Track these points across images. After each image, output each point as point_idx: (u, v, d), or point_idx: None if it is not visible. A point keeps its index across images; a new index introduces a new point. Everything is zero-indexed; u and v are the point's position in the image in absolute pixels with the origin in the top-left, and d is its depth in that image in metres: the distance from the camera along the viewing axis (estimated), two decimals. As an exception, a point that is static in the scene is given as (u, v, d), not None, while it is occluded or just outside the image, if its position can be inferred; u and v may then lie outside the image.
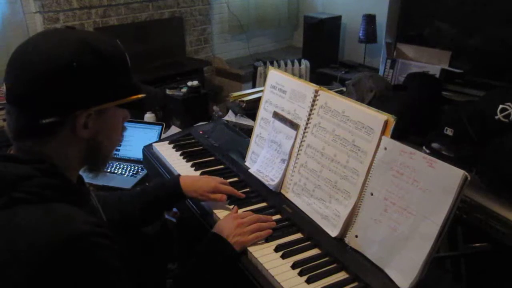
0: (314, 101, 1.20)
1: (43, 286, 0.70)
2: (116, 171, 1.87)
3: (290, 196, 1.22)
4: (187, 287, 1.00)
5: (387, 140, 0.99)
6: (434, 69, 2.01)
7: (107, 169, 1.88)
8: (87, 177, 0.93)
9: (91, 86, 0.77)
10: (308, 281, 0.93)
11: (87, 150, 0.83)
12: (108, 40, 0.83)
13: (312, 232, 1.08)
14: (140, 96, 0.85)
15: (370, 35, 4.10)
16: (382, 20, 3.31)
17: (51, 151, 0.79)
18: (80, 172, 0.91)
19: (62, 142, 0.79)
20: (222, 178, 1.26)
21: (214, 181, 1.22)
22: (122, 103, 0.83)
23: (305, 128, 1.21)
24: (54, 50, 0.76)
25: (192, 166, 1.40)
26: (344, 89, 2.06)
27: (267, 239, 1.06)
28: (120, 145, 1.97)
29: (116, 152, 1.97)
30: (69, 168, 0.83)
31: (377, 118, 1.03)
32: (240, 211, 1.17)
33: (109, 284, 0.76)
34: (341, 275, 0.96)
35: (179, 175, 1.24)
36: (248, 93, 2.25)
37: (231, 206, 1.20)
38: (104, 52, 0.79)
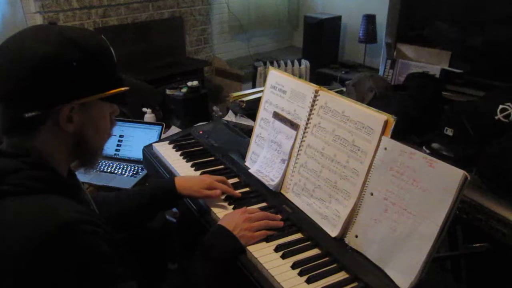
0: (314, 101, 1.20)
1: (35, 275, 0.71)
2: (116, 171, 1.87)
3: (290, 196, 1.22)
4: (191, 279, 0.99)
5: (387, 140, 0.99)
6: (434, 69, 2.01)
7: (107, 169, 1.88)
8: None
9: (71, 79, 0.78)
10: (308, 281, 0.93)
11: (74, 144, 0.84)
12: (90, 34, 0.84)
13: (312, 232, 1.08)
14: (122, 89, 0.86)
15: (370, 35, 4.10)
16: (382, 20, 3.30)
17: (39, 145, 0.80)
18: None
19: (48, 136, 0.80)
20: (221, 177, 1.26)
21: (210, 178, 1.22)
22: (105, 96, 0.83)
23: (305, 128, 1.21)
24: (34, 45, 0.76)
25: (192, 166, 1.40)
26: (344, 89, 2.06)
27: (267, 239, 1.06)
28: (120, 145, 1.97)
29: (116, 152, 1.98)
30: (58, 162, 0.84)
31: (377, 118, 1.03)
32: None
33: (101, 270, 0.76)
34: (341, 275, 0.96)
35: (174, 176, 1.25)
36: (248, 93, 2.25)
37: (231, 206, 1.20)
38: (84, 46, 0.79)
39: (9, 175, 0.76)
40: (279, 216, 1.13)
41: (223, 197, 1.23)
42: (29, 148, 0.80)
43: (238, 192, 1.24)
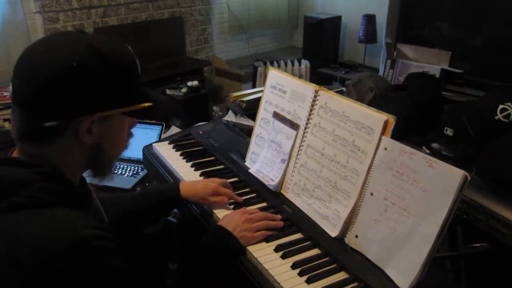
0: (314, 101, 1.20)
1: None
2: (116, 171, 1.88)
3: (290, 196, 1.22)
4: (190, 279, 0.98)
5: (387, 140, 0.99)
6: (434, 69, 2.01)
7: (107, 169, 1.88)
8: (86, 178, 0.92)
9: (96, 91, 0.76)
10: (308, 281, 0.93)
11: (90, 155, 0.83)
12: (117, 45, 0.82)
13: (312, 232, 1.08)
14: (147, 104, 0.84)
15: (370, 35, 4.09)
16: (382, 20, 3.30)
17: (54, 154, 0.79)
18: (85, 176, 0.90)
19: (64, 147, 0.79)
20: (223, 179, 1.25)
21: (213, 183, 1.21)
22: (129, 110, 0.82)
23: (305, 128, 1.21)
24: (60, 53, 0.75)
25: (192, 166, 1.40)
26: (344, 89, 2.06)
27: (267, 239, 1.06)
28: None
29: (116, 152, 1.98)
30: (72, 172, 0.82)
31: (377, 118, 1.03)
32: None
33: (114, 286, 0.76)
34: (341, 275, 0.96)
35: (179, 181, 1.24)
36: (248, 93, 2.25)
37: (231, 206, 1.20)
38: (111, 57, 0.78)
39: (23, 186, 0.74)
40: (279, 217, 1.13)
41: None
42: (44, 158, 0.78)
43: (240, 197, 1.23)
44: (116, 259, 0.76)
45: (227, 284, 1.09)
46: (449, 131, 1.49)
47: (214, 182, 1.22)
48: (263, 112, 1.37)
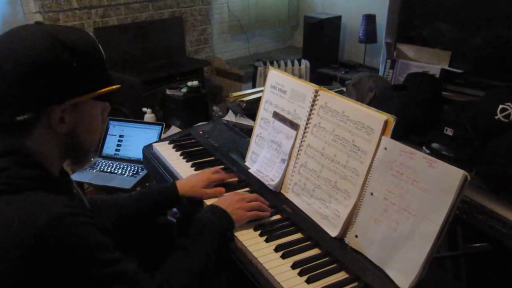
0: (314, 101, 1.20)
1: (33, 271, 0.71)
2: (116, 171, 1.88)
3: (290, 196, 1.22)
4: (185, 257, 0.98)
5: (387, 140, 0.99)
6: (434, 69, 2.01)
7: (107, 169, 1.88)
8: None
9: (62, 80, 0.77)
10: (308, 281, 0.93)
11: (66, 144, 0.84)
12: (78, 33, 0.84)
13: (312, 232, 1.08)
14: (114, 87, 0.86)
15: (370, 35, 4.09)
16: (382, 20, 3.30)
17: (32, 145, 0.80)
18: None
19: (40, 138, 0.80)
20: (215, 167, 1.29)
21: (205, 174, 1.25)
22: (97, 95, 0.83)
23: (305, 128, 1.21)
24: (25, 47, 0.76)
25: (192, 166, 1.40)
26: (344, 89, 2.06)
27: (267, 239, 1.06)
28: (120, 145, 1.97)
29: (116, 152, 1.98)
30: (51, 162, 0.83)
31: (377, 118, 1.03)
32: None
33: (98, 258, 0.76)
34: (341, 275, 0.96)
35: (175, 181, 1.25)
36: (248, 93, 2.25)
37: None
38: (74, 46, 0.79)
39: None
40: (267, 202, 1.18)
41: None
42: (21, 148, 0.79)
43: (233, 178, 1.29)
44: (98, 233, 0.77)
45: (226, 284, 1.09)
46: (449, 131, 1.49)
47: (206, 172, 1.26)
48: (263, 112, 1.37)
